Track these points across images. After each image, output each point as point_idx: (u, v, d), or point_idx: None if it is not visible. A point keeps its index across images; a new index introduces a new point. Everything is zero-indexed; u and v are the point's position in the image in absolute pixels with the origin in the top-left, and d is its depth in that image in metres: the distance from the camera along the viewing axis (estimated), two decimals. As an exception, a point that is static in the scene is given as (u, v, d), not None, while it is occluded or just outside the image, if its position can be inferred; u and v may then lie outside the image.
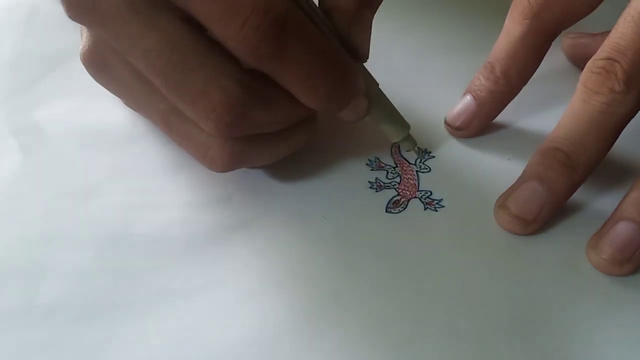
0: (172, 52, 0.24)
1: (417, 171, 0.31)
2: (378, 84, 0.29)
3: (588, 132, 0.28)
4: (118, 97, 0.30)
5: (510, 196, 0.29)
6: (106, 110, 0.32)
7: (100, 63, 0.28)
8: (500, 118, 0.33)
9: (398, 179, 0.31)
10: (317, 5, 0.27)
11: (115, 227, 0.28)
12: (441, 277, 0.27)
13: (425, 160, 0.32)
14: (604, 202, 0.30)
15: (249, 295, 0.26)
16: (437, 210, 0.30)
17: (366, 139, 0.32)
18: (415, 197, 0.30)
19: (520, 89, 0.32)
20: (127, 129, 0.32)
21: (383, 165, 0.31)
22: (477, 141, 0.32)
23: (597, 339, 0.25)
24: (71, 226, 0.28)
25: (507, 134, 0.33)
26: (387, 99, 0.30)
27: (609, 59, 0.28)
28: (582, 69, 0.29)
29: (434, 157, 0.32)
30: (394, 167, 0.31)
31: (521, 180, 0.29)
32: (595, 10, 0.31)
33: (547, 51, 0.32)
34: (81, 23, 0.26)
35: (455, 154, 0.32)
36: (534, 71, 0.32)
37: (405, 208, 0.30)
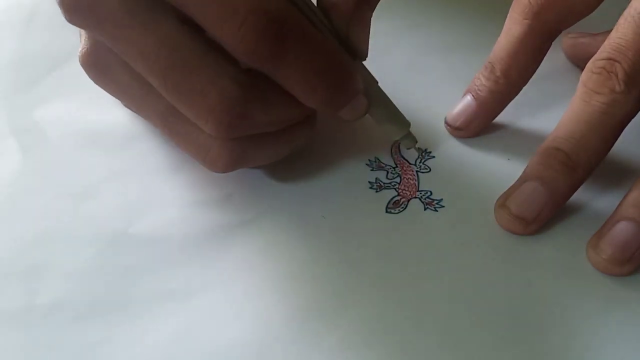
0: (171, 54, 0.24)
1: (417, 171, 0.31)
2: (377, 82, 0.29)
3: (588, 132, 0.28)
4: (117, 99, 0.30)
5: (511, 196, 0.29)
6: (106, 111, 0.32)
7: (99, 65, 0.28)
8: (501, 118, 0.33)
9: (398, 179, 0.31)
10: (315, 4, 0.27)
11: (115, 227, 0.28)
12: (441, 277, 0.27)
13: (425, 161, 0.32)
14: (604, 202, 0.30)
15: (248, 295, 0.26)
16: (437, 211, 0.30)
17: (366, 139, 0.32)
18: (415, 197, 0.30)
19: (521, 89, 0.32)
20: (126, 129, 0.32)
21: (383, 165, 0.31)
22: (477, 141, 0.32)
23: (597, 339, 0.25)
24: (71, 226, 0.28)
25: (507, 134, 0.33)
26: (387, 97, 0.30)
27: (609, 59, 0.28)
28: (582, 69, 0.29)
29: (434, 157, 0.32)
30: (394, 167, 0.31)
31: (521, 180, 0.29)
32: (595, 10, 0.31)
33: (547, 51, 0.32)
34: (79, 26, 0.26)
35: (455, 154, 0.32)
36: (534, 71, 0.32)
37: (405, 208, 0.30)
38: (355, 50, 0.28)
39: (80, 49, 0.28)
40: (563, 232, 0.29)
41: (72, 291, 0.26)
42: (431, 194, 0.30)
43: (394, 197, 0.30)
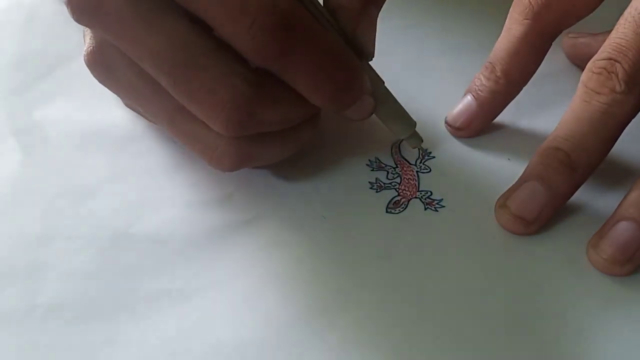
0: (180, 53, 0.24)
1: (417, 171, 0.31)
2: (384, 82, 0.29)
3: (589, 133, 0.28)
4: (122, 98, 0.30)
5: (511, 196, 0.29)
6: (106, 110, 0.32)
7: (105, 64, 0.27)
8: (501, 118, 0.33)
9: (398, 179, 0.31)
10: (322, 4, 0.27)
11: (115, 227, 0.28)
12: (441, 277, 0.27)
13: (425, 161, 0.32)
14: (604, 202, 0.30)
15: (248, 295, 0.26)
16: (437, 211, 0.30)
17: (367, 139, 0.32)
18: (416, 198, 0.30)
19: (521, 89, 0.32)
20: (127, 129, 0.32)
21: (383, 165, 0.31)
22: (478, 141, 0.32)
23: (597, 339, 0.25)
24: (71, 226, 0.28)
25: (507, 134, 0.33)
26: (393, 96, 0.30)
27: (610, 59, 0.28)
28: (582, 68, 0.29)
29: (434, 157, 0.32)
30: (394, 168, 0.31)
31: (522, 180, 0.29)
32: (595, 10, 0.31)
33: (547, 51, 0.32)
34: (87, 26, 0.26)
35: (456, 154, 0.32)
36: (535, 71, 0.32)
37: (405, 208, 0.30)
38: (362, 50, 0.28)
39: (85, 49, 0.28)
40: (563, 232, 0.29)
41: (72, 291, 0.26)
42: (431, 194, 0.30)
43: (394, 197, 0.30)
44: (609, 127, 0.28)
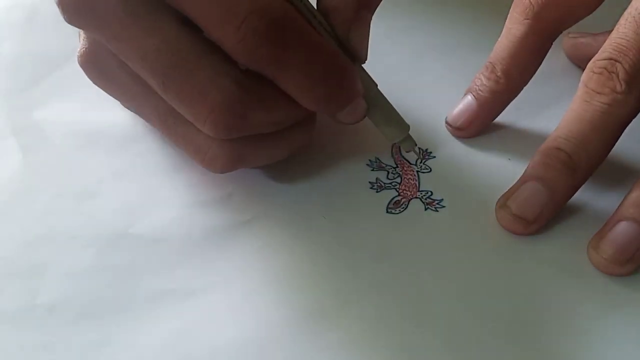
0: (170, 55, 0.24)
1: (417, 171, 0.31)
2: (377, 85, 0.29)
3: (590, 133, 0.28)
4: (116, 99, 0.30)
5: (511, 196, 0.29)
6: (106, 111, 0.32)
7: (98, 65, 0.28)
8: (501, 118, 0.33)
9: (399, 179, 0.31)
10: (315, 7, 0.27)
11: (115, 227, 0.28)
12: (442, 277, 0.27)
13: (425, 161, 0.32)
14: (605, 202, 0.30)
15: (248, 295, 0.26)
16: (437, 211, 0.30)
17: (367, 139, 0.32)
18: (416, 198, 0.30)
19: (521, 88, 0.32)
20: (126, 129, 0.32)
21: (384, 165, 0.31)
22: (478, 141, 0.32)
23: (597, 339, 0.25)
24: (71, 226, 0.28)
25: (507, 134, 0.33)
26: (386, 100, 0.29)
27: (610, 59, 0.28)
28: (583, 68, 0.29)
29: (434, 157, 0.32)
30: (394, 168, 0.31)
31: (522, 180, 0.29)
32: (595, 10, 0.31)
33: (548, 51, 0.32)
34: (78, 27, 0.26)
35: (456, 154, 0.32)
36: (535, 71, 0.32)
37: (405, 208, 0.30)
38: (354, 53, 0.28)
39: (79, 49, 0.28)
40: (564, 232, 0.29)
41: (72, 291, 0.26)
42: (432, 194, 0.30)
43: (394, 197, 0.30)
44: (610, 127, 0.28)
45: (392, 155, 0.32)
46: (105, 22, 0.24)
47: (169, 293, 0.26)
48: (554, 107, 0.33)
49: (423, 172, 0.31)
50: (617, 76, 0.28)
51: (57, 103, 0.33)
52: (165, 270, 0.27)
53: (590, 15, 0.32)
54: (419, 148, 0.31)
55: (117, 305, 0.26)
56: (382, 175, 0.31)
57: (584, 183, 0.29)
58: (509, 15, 0.32)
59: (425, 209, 0.30)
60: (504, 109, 0.32)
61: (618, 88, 0.28)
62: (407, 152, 0.31)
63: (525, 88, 0.32)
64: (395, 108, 0.30)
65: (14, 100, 0.33)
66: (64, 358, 0.25)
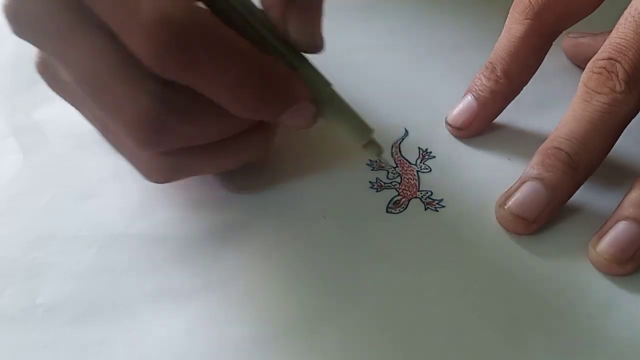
0: (92, 67, 0.23)
1: (417, 171, 0.31)
2: (331, 84, 0.26)
3: (589, 132, 0.28)
4: (72, 106, 0.28)
5: (512, 196, 0.29)
6: (106, 110, 0.32)
7: (49, 73, 0.27)
8: (501, 118, 0.33)
9: (399, 179, 0.31)
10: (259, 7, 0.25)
11: (115, 227, 0.28)
12: (442, 277, 0.27)
13: (425, 160, 0.32)
14: (604, 202, 0.30)
15: (248, 295, 0.26)
16: (437, 210, 0.30)
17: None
18: (416, 197, 0.30)
19: (521, 88, 0.32)
20: (127, 129, 0.32)
21: (384, 165, 0.31)
22: (478, 141, 0.32)
23: (598, 338, 0.25)
24: (71, 226, 0.28)
25: (507, 134, 0.33)
26: (344, 100, 0.27)
27: (610, 59, 0.28)
28: (583, 68, 0.29)
29: (434, 157, 0.32)
30: (394, 167, 0.31)
31: (522, 180, 0.29)
32: (595, 10, 0.31)
33: (548, 51, 0.32)
34: (16, 35, 0.25)
35: (456, 154, 0.32)
36: (535, 71, 0.32)
37: (405, 208, 0.30)
38: (303, 46, 0.25)
39: (35, 58, 0.27)
40: (564, 232, 0.29)
41: (72, 291, 0.26)
42: (432, 193, 0.30)
43: (394, 197, 0.30)
44: (610, 127, 0.28)
45: (392, 155, 0.32)
46: (35, 33, 0.24)
47: (169, 293, 0.26)
48: (554, 107, 0.33)
49: (423, 172, 0.31)
50: (617, 76, 0.28)
51: (57, 103, 0.33)
52: (165, 270, 0.27)
53: (590, 15, 0.32)
54: (420, 149, 0.31)
55: (116, 305, 0.26)
56: (382, 175, 0.31)
57: (584, 183, 0.29)
58: (509, 15, 0.32)
59: (425, 209, 0.30)
60: (504, 109, 0.32)
61: (618, 88, 0.28)
62: (372, 160, 0.30)
63: (525, 88, 0.32)
64: (355, 110, 0.27)
65: (14, 100, 0.33)
66: (64, 358, 0.25)
